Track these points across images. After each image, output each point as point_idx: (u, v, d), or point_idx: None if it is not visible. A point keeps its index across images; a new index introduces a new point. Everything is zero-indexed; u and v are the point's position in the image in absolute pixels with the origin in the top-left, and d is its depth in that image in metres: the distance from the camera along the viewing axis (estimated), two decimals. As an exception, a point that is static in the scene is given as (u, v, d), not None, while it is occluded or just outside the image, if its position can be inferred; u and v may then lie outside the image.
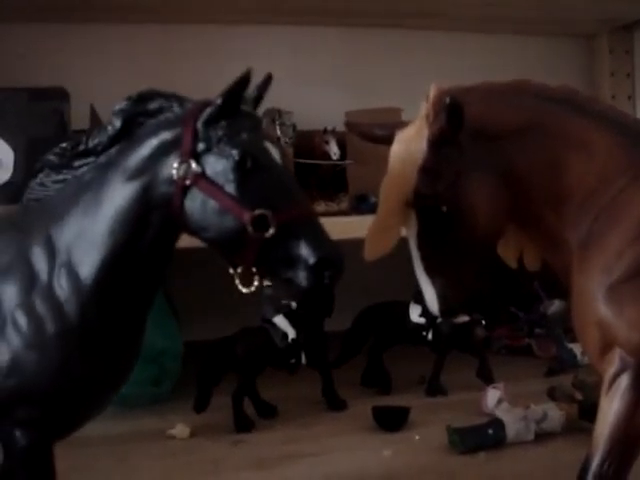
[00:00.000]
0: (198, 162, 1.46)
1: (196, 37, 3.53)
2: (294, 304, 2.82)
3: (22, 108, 2.68)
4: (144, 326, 1.63)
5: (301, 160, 3.11)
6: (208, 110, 1.48)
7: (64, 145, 1.57)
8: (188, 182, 1.45)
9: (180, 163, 1.46)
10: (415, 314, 2.94)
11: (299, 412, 2.79)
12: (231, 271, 1.48)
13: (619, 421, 1.56)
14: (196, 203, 1.46)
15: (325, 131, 3.11)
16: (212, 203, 1.44)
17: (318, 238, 1.45)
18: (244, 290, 1.47)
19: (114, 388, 1.63)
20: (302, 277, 1.43)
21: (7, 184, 2.58)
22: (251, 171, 1.44)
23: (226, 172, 1.45)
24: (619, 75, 4.05)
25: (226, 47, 3.58)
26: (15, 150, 2.64)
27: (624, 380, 1.56)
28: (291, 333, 2.75)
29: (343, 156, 3.13)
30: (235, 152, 1.44)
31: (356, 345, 3.11)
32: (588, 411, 2.28)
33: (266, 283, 2.69)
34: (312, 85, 3.64)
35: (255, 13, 3.52)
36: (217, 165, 1.46)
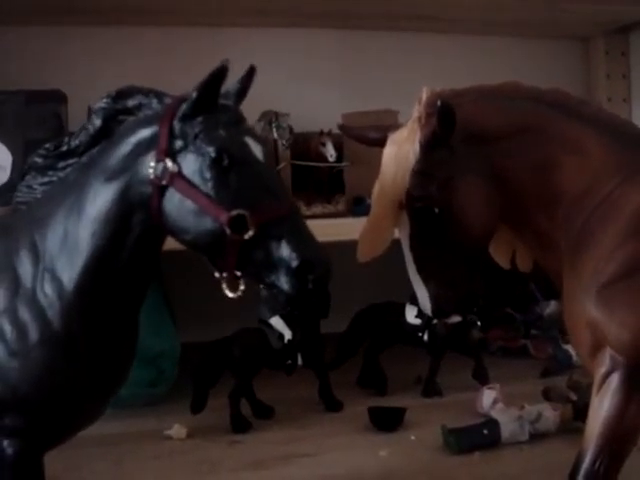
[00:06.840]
0: (175, 161, 1.39)
1: (194, 39, 3.53)
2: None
3: (20, 111, 2.69)
4: (135, 330, 1.57)
5: (298, 162, 3.13)
6: (184, 106, 1.41)
7: (47, 146, 1.52)
8: (165, 182, 1.39)
9: (156, 162, 1.40)
10: (411, 315, 2.96)
11: (296, 413, 2.80)
12: (217, 275, 1.41)
13: (610, 420, 1.58)
14: (174, 204, 1.39)
15: (322, 133, 3.12)
16: (189, 204, 1.38)
17: (300, 239, 1.36)
18: (230, 295, 1.40)
19: (105, 395, 1.57)
20: (284, 282, 1.35)
21: (5, 186, 2.59)
22: (228, 169, 1.37)
23: (202, 170, 1.38)
24: (615, 77, 4.05)
25: (224, 50, 3.56)
26: (13, 152, 2.66)
27: (614, 379, 1.58)
28: (287, 334, 2.76)
29: (340, 158, 3.14)
30: (211, 149, 1.38)
31: (353, 346, 3.12)
32: (582, 412, 2.26)
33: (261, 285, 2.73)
34: (309, 87, 3.66)
35: (253, 16, 3.53)
36: (193, 163, 1.39)
